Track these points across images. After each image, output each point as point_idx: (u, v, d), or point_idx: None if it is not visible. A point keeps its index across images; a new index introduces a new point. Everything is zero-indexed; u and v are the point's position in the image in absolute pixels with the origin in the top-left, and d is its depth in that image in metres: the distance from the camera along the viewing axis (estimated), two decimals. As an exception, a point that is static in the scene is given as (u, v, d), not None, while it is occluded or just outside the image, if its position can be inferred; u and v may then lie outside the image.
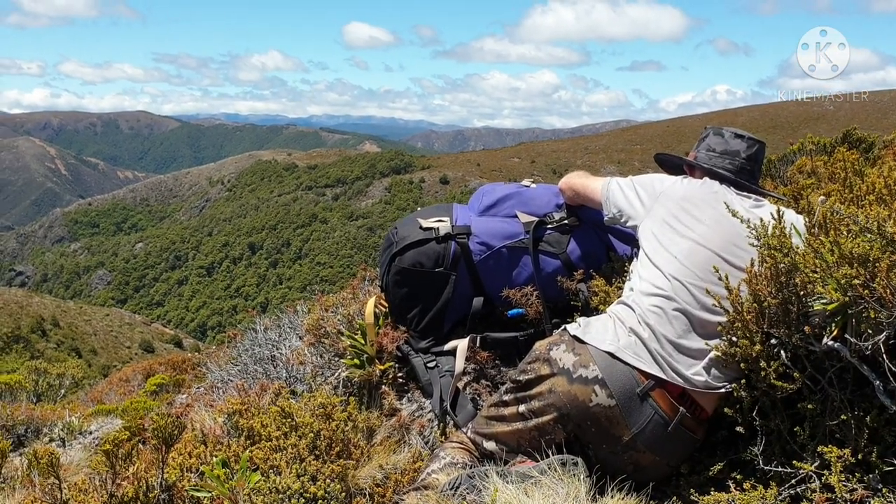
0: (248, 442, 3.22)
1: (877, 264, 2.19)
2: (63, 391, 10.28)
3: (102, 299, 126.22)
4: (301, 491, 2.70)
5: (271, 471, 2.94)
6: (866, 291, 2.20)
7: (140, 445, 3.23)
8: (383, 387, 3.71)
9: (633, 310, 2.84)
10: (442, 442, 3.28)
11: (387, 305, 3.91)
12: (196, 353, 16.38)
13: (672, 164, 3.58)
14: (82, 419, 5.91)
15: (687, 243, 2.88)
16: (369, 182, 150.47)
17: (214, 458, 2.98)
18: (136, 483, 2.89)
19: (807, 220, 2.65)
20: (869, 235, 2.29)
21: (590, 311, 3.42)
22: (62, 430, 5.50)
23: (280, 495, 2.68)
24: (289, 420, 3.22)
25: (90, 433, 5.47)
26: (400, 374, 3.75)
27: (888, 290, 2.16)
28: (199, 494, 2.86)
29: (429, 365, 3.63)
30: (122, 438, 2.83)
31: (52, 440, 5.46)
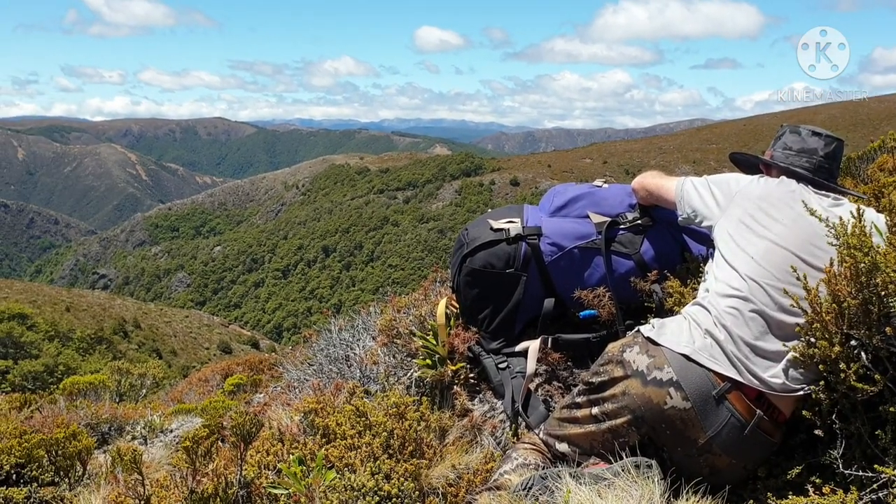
0: (324, 440, 3.28)
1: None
2: (144, 391, 10.62)
3: (182, 301, 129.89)
4: (375, 489, 2.74)
5: (346, 469, 3.00)
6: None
7: (219, 443, 3.32)
8: (455, 387, 3.73)
9: (708, 311, 2.79)
10: (514, 443, 3.28)
11: (458, 306, 3.92)
12: (272, 354, 16.72)
13: (748, 164, 3.51)
14: (163, 418, 6.10)
15: (764, 243, 2.82)
16: (440, 185, 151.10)
17: (291, 456, 3.05)
18: (215, 480, 2.98)
19: (888, 218, 2.57)
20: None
21: (664, 312, 3.38)
22: (144, 428, 5.69)
23: (355, 493, 2.72)
24: (363, 419, 3.27)
25: (171, 431, 5.64)
26: (472, 375, 3.77)
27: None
28: (276, 491, 2.93)
29: (500, 366, 3.63)
30: (201, 435, 2.92)
31: (134, 438, 5.64)
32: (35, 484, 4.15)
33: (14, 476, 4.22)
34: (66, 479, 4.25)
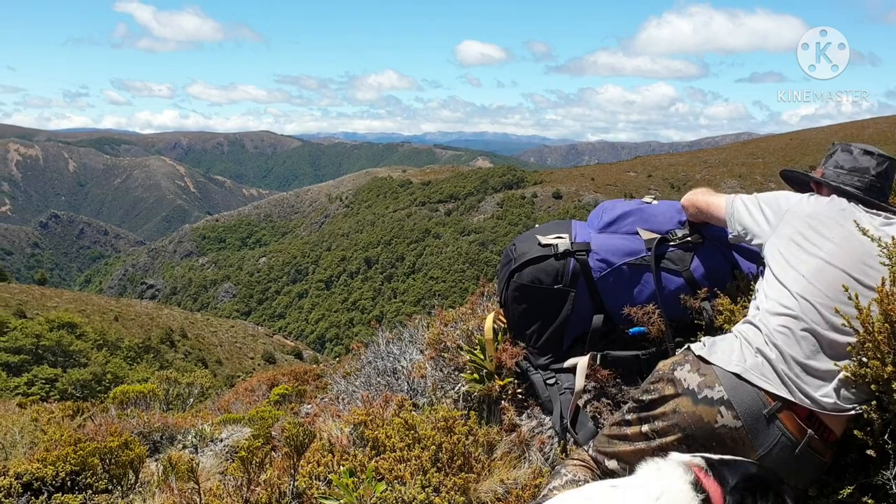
0: (374, 452, 3.33)
1: None
2: (191, 400, 10.78)
3: (227, 311, 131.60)
4: (426, 501, 2.77)
5: (396, 481, 3.04)
6: None
7: (272, 453, 3.38)
8: (503, 402, 3.75)
9: (759, 330, 2.79)
10: (562, 459, 3.29)
11: (505, 321, 3.94)
12: (317, 365, 16.86)
13: (799, 182, 3.49)
14: (213, 427, 6.19)
15: (815, 261, 2.81)
16: (481, 197, 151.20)
17: (342, 468, 3.10)
18: (268, 490, 3.04)
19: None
20: None
21: (714, 330, 3.36)
22: (195, 437, 5.77)
23: (405, 504, 2.76)
24: (412, 432, 3.31)
25: (221, 440, 5.72)
26: (519, 391, 3.78)
27: None
28: (328, 502, 2.98)
29: (548, 382, 3.64)
30: (256, 446, 2.98)
31: (185, 447, 5.73)
32: (90, 491, 4.25)
33: (69, 483, 4.32)
34: (120, 487, 4.34)
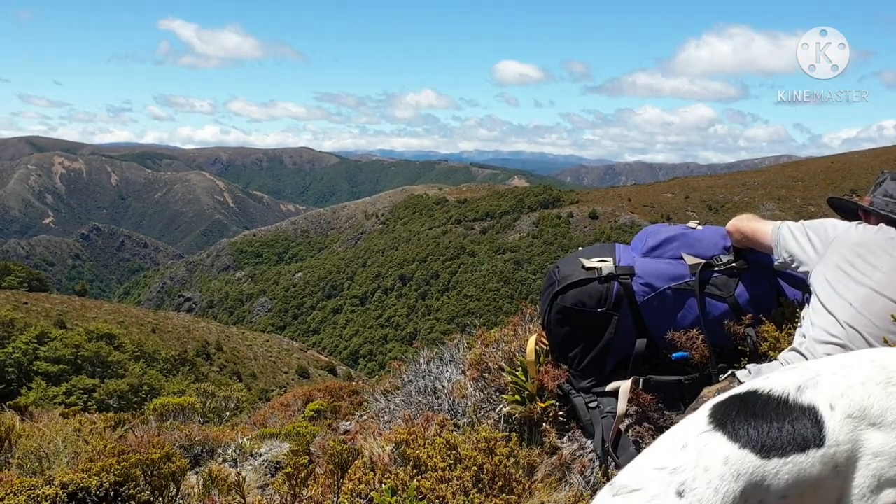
0: (415, 471, 3.35)
1: None
2: (227, 414, 10.88)
3: (263, 325, 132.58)
4: (468, 521, 2.78)
5: (437, 501, 3.05)
6: None
7: (316, 469, 3.42)
8: (544, 424, 3.76)
9: (805, 357, 2.78)
10: (604, 483, 3.29)
11: (548, 343, 3.95)
12: (353, 382, 16.91)
13: (846, 209, 3.47)
14: (252, 441, 6.25)
15: (863, 290, 2.80)
16: (517, 216, 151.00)
17: (383, 486, 3.13)
18: (312, 505, 3.07)
19: None
20: None
21: (758, 356, 3.35)
22: (234, 451, 5.84)
23: (448, 525, 2.77)
24: (453, 452, 3.33)
25: (260, 455, 5.78)
26: (561, 413, 3.79)
27: None
28: (369, 520, 3.01)
29: (590, 405, 3.64)
30: (302, 462, 3.02)
31: (224, 461, 5.80)
32: (132, 502, 4.32)
33: (112, 494, 4.39)
34: (161, 499, 4.40)
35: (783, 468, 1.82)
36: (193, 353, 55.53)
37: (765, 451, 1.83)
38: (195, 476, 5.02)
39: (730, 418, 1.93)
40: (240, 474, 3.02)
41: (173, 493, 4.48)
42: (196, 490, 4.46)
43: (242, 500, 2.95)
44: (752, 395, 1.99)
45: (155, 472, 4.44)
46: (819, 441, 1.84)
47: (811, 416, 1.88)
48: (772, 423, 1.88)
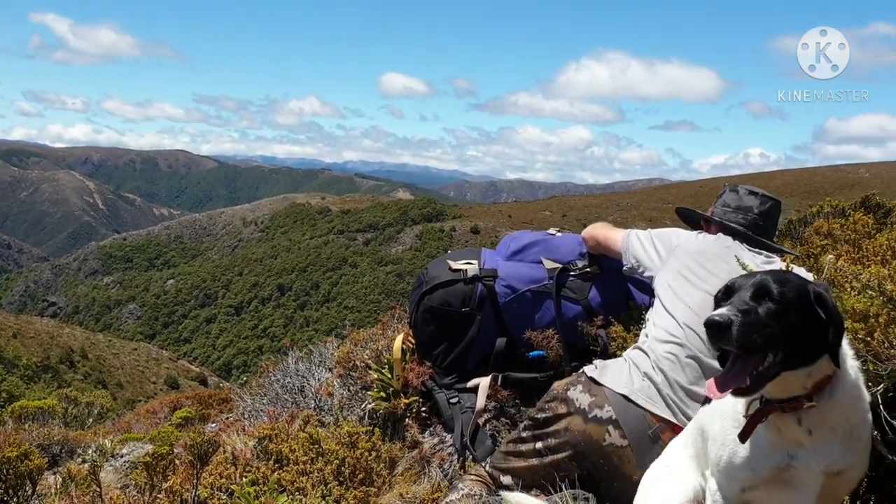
0: (277, 465, 3.39)
1: (875, 320, 2.33)
2: (90, 420, 10.45)
3: (131, 333, 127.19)
4: (326, 509, 2.85)
5: (298, 493, 3.10)
6: (864, 345, 2.34)
7: (175, 462, 3.40)
8: (407, 420, 3.87)
9: (647, 355, 2.98)
10: (461, 475, 3.42)
11: (414, 342, 4.07)
12: (222, 389, 16.53)
13: (691, 219, 3.75)
14: (114, 443, 6.08)
15: (701, 294, 3.03)
16: (400, 229, 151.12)
17: (244, 479, 3.15)
18: (170, 497, 3.06)
19: (816, 277, 2.79)
20: (870, 293, 2.44)
21: (608, 355, 3.55)
22: (95, 451, 5.67)
23: (306, 513, 2.83)
24: (316, 447, 3.39)
25: (122, 456, 5.63)
26: (423, 409, 3.90)
27: (885, 345, 2.31)
28: (228, 512, 3.03)
29: (451, 401, 3.77)
30: (161, 453, 3.01)
31: (84, 461, 5.62)
32: (-16, 502, 4.14)
33: (-40, 494, 4.20)
34: (16, 499, 4.24)
35: None
36: (57, 360, 52.89)
37: None
38: (53, 476, 4.86)
39: None
40: (95, 461, 2.97)
41: (29, 492, 4.32)
42: (55, 489, 4.33)
43: (98, 489, 2.91)
44: None
45: (10, 471, 4.28)
46: None
47: None
48: None
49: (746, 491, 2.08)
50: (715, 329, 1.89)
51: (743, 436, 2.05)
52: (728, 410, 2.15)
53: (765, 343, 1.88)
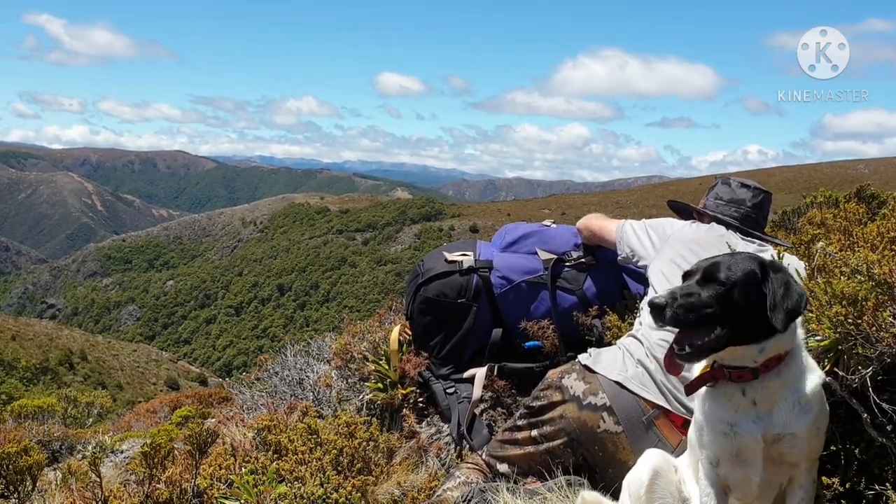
0: (276, 456, 3.42)
1: (864, 303, 2.36)
2: (90, 420, 10.49)
3: (131, 335, 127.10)
4: (324, 496, 2.88)
5: (296, 482, 3.13)
6: (854, 328, 2.37)
7: (174, 452, 3.43)
8: (404, 410, 3.90)
9: (641, 343, 3.02)
10: (458, 463, 3.45)
11: (411, 333, 4.10)
12: (222, 388, 16.54)
13: (684, 211, 3.78)
14: (114, 440, 6.12)
15: (694, 282, 3.06)
16: (399, 228, 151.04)
17: (243, 469, 3.18)
18: (170, 487, 3.09)
19: (807, 264, 2.82)
20: (859, 277, 2.46)
21: (603, 345, 3.58)
22: (95, 447, 5.71)
23: (304, 501, 2.86)
24: (314, 437, 3.42)
25: (122, 452, 5.67)
26: (420, 399, 3.94)
27: (874, 328, 2.33)
28: (227, 502, 3.06)
29: (448, 391, 3.81)
30: (160, 442, 3.04)
31: (84, 457, 5.65)
32: (-16, 497, 4.17)
33: (-38, 489, 4.23)
34: (17, 494, 4.27)
35: None
36: (56, 362, 52.84)
37: None
38: (53, 472, 4.89)
39: None
40: (95, 453, 3.00)
41: (29, 488, 4.35)
42: (54, 484, 4.36)
43: (98, 479, 2.94)
44: None
45: (10, 467, 4.31)
46: None
47: None
48: None
49: (716, 467, 2.21)
50: (652, 309, 2.07)
51: (688, 389, 2.28)
52: (701, 393, 2.28)
53: (698, 322, 2.05)
